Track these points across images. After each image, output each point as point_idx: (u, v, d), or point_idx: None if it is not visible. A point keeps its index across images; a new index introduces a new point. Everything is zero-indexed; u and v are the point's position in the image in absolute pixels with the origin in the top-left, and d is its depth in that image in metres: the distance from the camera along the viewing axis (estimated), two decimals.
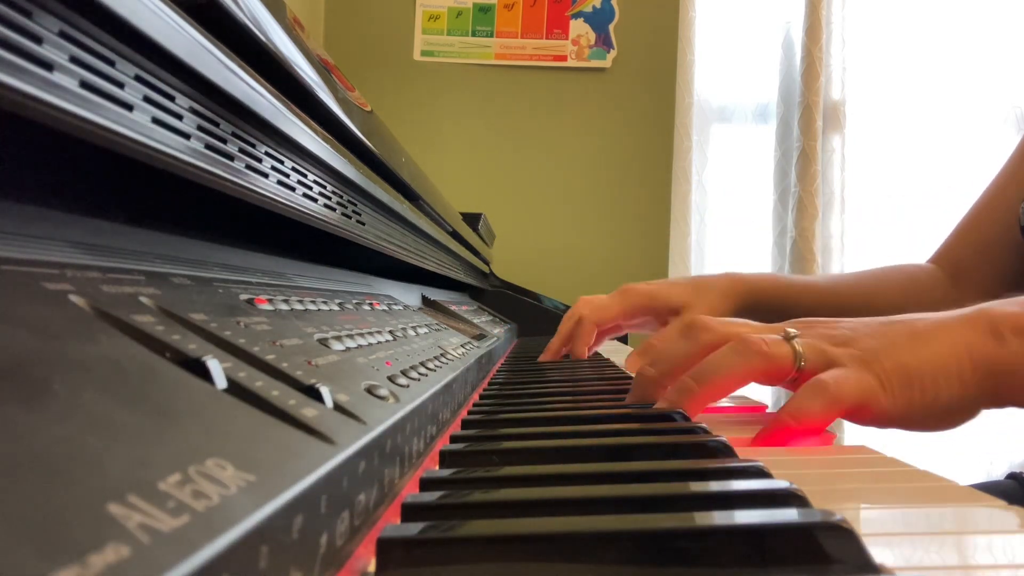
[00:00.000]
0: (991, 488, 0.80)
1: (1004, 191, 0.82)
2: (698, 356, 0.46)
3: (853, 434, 1.62)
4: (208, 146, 0.26)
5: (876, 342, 0.44)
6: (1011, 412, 0.45)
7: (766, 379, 0.45)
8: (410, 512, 0.24)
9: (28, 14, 0.17)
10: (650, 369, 0.48)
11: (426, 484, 0.29)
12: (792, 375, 0.44)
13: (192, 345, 0.20)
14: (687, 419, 0.42)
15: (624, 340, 1.40)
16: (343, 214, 0.44)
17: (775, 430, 0.41)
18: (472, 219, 1.18)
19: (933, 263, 0.89)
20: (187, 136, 0.24)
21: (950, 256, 0.88)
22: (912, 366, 0.43)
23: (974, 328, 0.43)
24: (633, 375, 0.52)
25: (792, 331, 0.45)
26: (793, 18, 1.70)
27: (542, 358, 0.82)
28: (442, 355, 0.47)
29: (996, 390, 0.43)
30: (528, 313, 1.39)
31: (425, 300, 0.82)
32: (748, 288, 0.81)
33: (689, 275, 1.69)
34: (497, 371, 0.75)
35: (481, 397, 0.54)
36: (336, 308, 0.39)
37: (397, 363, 0.35)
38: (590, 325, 0.79)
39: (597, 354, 0.91)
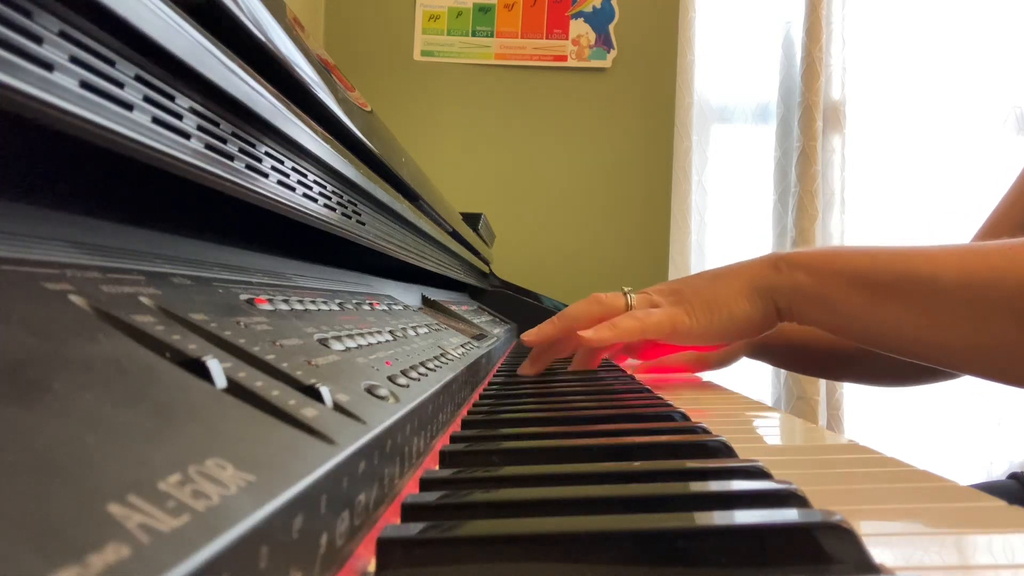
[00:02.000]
0: (991, 488, 0.80)
1: None
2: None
3: (853, 434, 1.62)
4: (208, 146, 0.26)
5: (686, 286, 0.64)
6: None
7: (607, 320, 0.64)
8: (410, 512, 0.25)
9: (28, 14, 0.17)
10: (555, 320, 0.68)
11: (426, 484, 0.29)
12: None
13: (192, 345, 0.20)
14: (686, 419, 0.42)
15: None
16: (343, 214, 0.44)
17: (598, 332, 0.61)
18: (472, 219, 1.18)
19: None
20: (187, 136, 0.24)
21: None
22: (710, 297, 0.61)
23: (760, 265, 0.61)
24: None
25: (628, 288, 0.66)
26: (793, 18, 1.70)
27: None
28: (442, 355, 0.47)
29: (776, 304, 0.60)
30: (528, 313, 1.39)
31: (425, 300, 0.81)
32: None
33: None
34: (497, 371, 0.75)
35: (481, 397, 0.54)
36: (336, 308, 0.39)
37: (397, 363, 0.35)
38: None
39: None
